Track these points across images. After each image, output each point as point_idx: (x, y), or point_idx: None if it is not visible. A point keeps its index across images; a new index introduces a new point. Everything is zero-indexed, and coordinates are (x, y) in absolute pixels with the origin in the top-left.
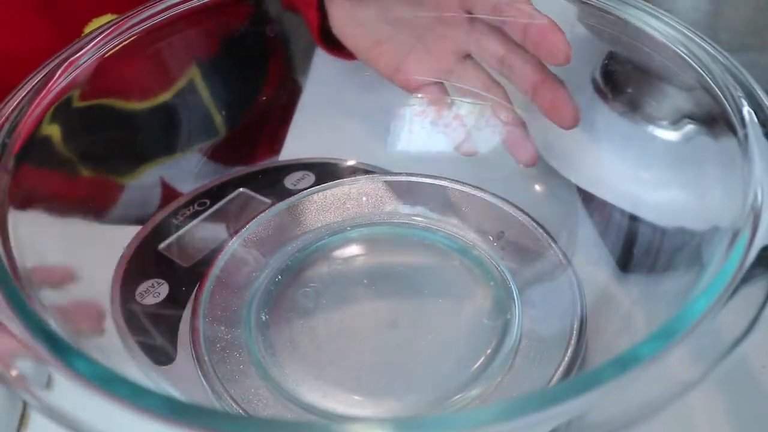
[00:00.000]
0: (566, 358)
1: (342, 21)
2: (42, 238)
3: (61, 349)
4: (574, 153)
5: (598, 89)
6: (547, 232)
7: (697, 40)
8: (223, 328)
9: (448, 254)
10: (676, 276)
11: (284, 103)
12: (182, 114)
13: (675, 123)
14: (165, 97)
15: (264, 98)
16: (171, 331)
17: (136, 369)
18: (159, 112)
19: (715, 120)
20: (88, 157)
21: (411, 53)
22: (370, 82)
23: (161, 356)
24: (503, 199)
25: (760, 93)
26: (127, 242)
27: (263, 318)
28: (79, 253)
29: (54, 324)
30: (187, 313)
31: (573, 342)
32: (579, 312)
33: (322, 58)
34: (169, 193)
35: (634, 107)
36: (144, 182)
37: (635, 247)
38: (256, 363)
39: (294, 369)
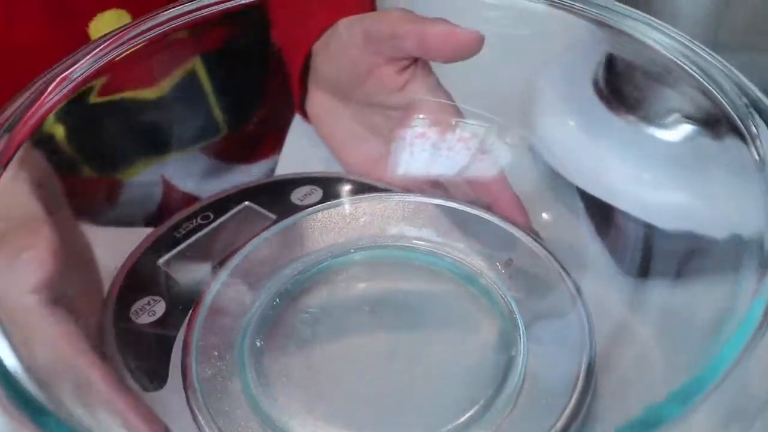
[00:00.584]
0: (572, 402)
1: (321, 109)
2: None
3: (35, 412)
4: (576, 155)
5: (599, 90)
6: (557, 261)
7: (698, 50)
8: (215, 353)
9: (453, 281)
10: (698, 308)
11: (285, 111)
12: (184, 110)
13: (678, 125)
14: (168, 90)
15: (266, 100)
16: (164, 353)
17: None
18: (162, 107)
19: (722, 124)
20: (90, 154)
21: (382, 158)
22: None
23: (151, 381)
24: (513, 224)
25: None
26: (124, 249)
27: (258, 344)
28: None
29: (31, 385)
30: (181, 335)
31: (580, 386)
32: (588, 352)
33: None
34: (169, 192)
35: (636, 110)
36: (144, 180)
37: (651, 274)
38: (248, 394)
39: (286, 400)
